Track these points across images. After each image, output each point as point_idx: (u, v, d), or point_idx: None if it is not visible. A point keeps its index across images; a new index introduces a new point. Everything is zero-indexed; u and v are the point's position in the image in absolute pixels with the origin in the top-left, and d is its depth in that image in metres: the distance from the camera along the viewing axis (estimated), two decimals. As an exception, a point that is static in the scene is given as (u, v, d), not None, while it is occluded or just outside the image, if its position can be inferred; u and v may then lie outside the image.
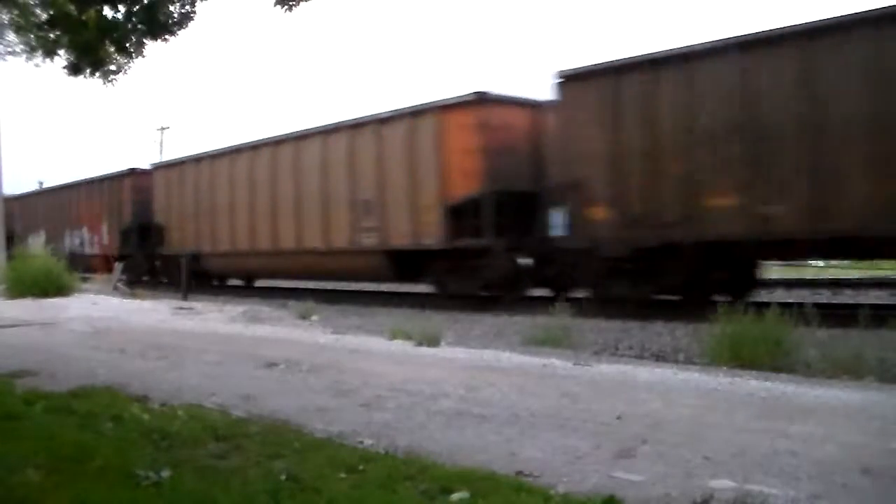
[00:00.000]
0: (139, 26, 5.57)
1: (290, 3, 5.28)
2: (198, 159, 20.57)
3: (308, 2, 5.28)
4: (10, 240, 29.83)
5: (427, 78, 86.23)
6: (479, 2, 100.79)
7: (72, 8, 5.48)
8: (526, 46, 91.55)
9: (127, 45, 5.74)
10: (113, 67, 6.04)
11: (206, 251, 19.87)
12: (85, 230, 25.57)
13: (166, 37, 5.64)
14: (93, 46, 5.65)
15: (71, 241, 26.00)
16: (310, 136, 16.81)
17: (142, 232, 22.30)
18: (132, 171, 23.38)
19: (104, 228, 24.19)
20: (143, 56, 5.92)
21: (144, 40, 5.71)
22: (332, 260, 16.12)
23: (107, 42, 5.66)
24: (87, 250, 25.13)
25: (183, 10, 5.57)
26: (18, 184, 32.82)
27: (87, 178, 25.94)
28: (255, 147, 18.55)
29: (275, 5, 5.28)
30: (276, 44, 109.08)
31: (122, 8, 5.60)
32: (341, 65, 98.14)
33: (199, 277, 20.54)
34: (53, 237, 26.48)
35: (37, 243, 27.16)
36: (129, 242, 22.92)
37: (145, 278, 22.54)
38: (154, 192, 21.99)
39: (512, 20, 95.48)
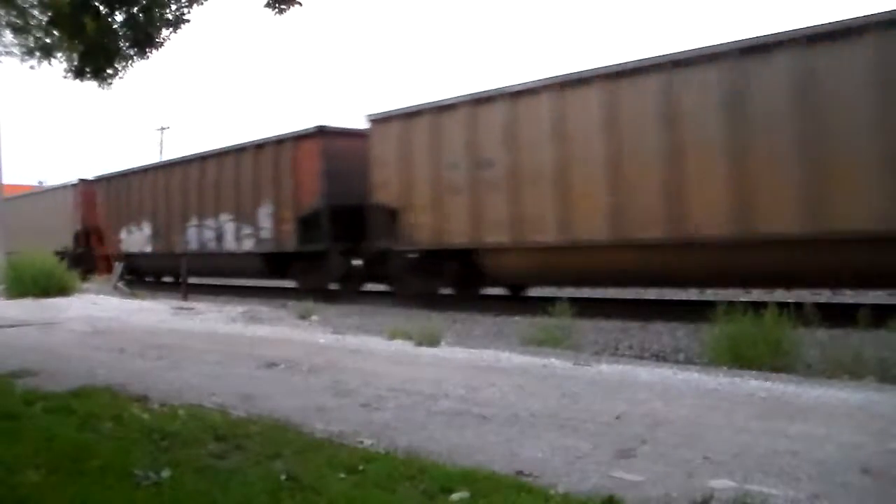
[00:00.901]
0: (128, 36, 5.59)
1: (282, 7, 5.29)
2: (477, 100, 12.82)
3: (299, 6, 5.29)
4: (87, 237, 24.88)
5: (426, 76, 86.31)
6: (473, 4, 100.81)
7: (70, 9, 5.48)
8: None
9: (121, 50, 5.75)
10: (109, 72, 6.06)
11: (492, 243, 12.62)
12: (225, 219, 17.97)
13: (150, 50, 5.66)
14: (94, 50, 5.66)
15: (199, 236, 18.83)
16: (770, 48, 9.79)
17: (336, 218, 15.24)
18: (321, 130, 15.71)
19: (263, 215, 16.84)
20: (132, 66, 5.95)
21: (134, 52, 5.73)
22: (830, 253, 9.43)
23: (106, 47, 5.67)
24: (231, 246, 17.81)
25: (177, 14, 5.58)
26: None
27: (228, 145, 18.42)
28: (617, 75, 11.11)
29: (265, 6, 5.29)
30: (276, 42, 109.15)
31: (118, 15, 5.61)
32: (341, 62, 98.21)
33: (468, 284, 13.73)
34: (165, 230, 20.21)
35: (136, 240, 21.54)
36: (315, 234, 15.50)
37: (333, 286, 15.85)
38: (372, 158, 14.54)
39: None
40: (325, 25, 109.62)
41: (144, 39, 5.58)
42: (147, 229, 21.27)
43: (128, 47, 5.70)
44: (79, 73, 5.96)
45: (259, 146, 17.38)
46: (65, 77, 6.10)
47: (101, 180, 24.40)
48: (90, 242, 25.03)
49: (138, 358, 7.70)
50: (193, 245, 19.06)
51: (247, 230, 17.42)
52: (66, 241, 25.16)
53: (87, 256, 24.81)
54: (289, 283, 17.22)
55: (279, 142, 16.79)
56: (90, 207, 24.52)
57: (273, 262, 17.03)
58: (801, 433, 4.24)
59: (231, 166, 18.11)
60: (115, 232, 22.84)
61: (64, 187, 26.93)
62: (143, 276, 22.97)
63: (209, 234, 18.63)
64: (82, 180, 25.64)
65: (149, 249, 21.22)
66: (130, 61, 5.94)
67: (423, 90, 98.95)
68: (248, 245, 17.45)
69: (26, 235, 26.73)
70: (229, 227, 17.98)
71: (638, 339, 9.61)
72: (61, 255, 25.62)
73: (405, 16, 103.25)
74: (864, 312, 7.68)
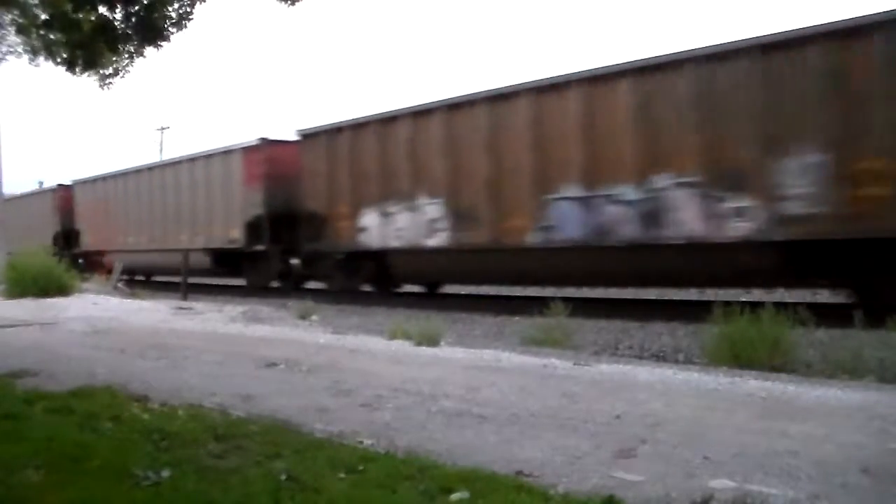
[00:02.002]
0: (135, 30, 5.59)
1: None
2: None
3: None
4: (276, 227, 16.54)
5: (427, 75, 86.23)
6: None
7: (69, 7, 5.49)
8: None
9: (121, 46, 5.75)
10: (109, 71, 6.06)
11: None
12: (669, 182, 10.65)
13: (160, 42, 5.66)
14: (86, 45, 5.66)
15: (587, 214, 11.30)
16: None
17: None
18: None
19: (792, 171, 9.62)
20: (144, 56, 5.94)
21: (141, 45, 5.73)
22: None
23: (101, 42, 5.67)
24: (692, 229, 10.47)
25: (180, 12, 5.59)
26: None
27: (665, 55, 10.93)
28: None
29: (279, 1, 5.32)
30: (277, 42, 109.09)
31: (119, 8, 5.62)
32: (341, 62, 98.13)
33: None
34: (490, 209, 12.38)
35: (403, 226, 13.75)
36: None
37: None
38: None
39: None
40: (325, 25, 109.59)
41: (153, 34, 5.58)
42: (432, 209, 13.30)
43: (136, 42, 5.70)
44: (69, 66, 5.95)
45: (772, 46, 9.80)
46: (70, 73, 6.10)
47: (309, 137, 16.23)
48: (281, 235, 16.69)
49: (138, 358, 7.69)
50: (570, 231, 11.43)
51: (736, 201, 10.07)
52: (223, 234, 17.83)
53: (278, 252, 16.95)
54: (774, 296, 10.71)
55: (843, 32, 9.29)
56: (279, 180, 16.67)
57: (811, 259, 9.89)
58: (800, 433, 4.24)
59: (682, 89, 10.53)
60: (348, 216, 14.89)
61: (220, 153, 18.50)
62: (399, 282, 15.65)
63: (617, 212, 11.02)
64: (264, 139, 17.32)
65: (435, 242, 13.35)
66: (135, 55, 5.94)
67: (412, 91, 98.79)
68: (740, 228, 10.05)
69: (139, 227, 21.19)
70: (680, 197, 10.51)
71: (638, 339, 9.61)
72: (220, 254, 18.21)
73: (402, 15, 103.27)
74: (864, 312, 7.68)
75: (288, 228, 16.44)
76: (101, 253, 23.72)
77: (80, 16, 5.45)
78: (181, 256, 17.60)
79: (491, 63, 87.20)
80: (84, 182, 25.81)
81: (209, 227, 18.50)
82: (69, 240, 25.35)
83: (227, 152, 18.26)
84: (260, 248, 16.99)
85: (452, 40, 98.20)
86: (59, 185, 27.19)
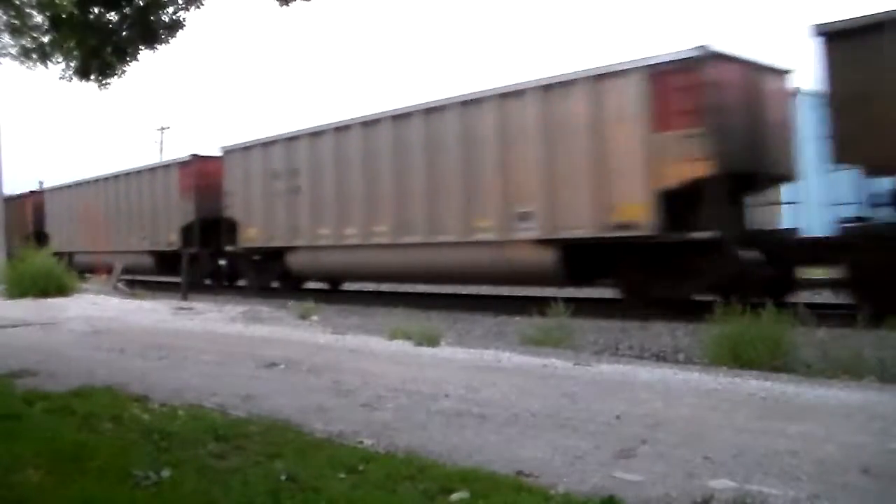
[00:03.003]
0: (133, 31, 5.59)
1: None
2: None
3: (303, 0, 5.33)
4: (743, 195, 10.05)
5: (426, 75, 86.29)
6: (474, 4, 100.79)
7: (75, 10, 5.48)
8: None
9: (127, 49, 5.75)
10: (108, 71, 6.05)
11: None
12: None
13: (156, 46, 5.67)
14: (99, 50, 5.66)
15: None
16: None
17: None
18: None
19: None
20: (137, 60, 5.94)
21: (139, 46, 5.72)
22: None
23: (108, 46, 5.67)
24: None
25: (174, 17, 5.60)
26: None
27: None
28: None
29: None
30: (276, 42, 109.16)
31: (115, 14, 5.62)
32: (340, 62, 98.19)
33: None
34: None
35: None
36: None
37: None
38: None
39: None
40: (325, 24, 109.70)
41: (149, 36, 5.59)
42: None
43: (135, 43, 5.70)
44: (83, 73, 5.94)
45: None
46: (61, 78, 6.07)
47: (853, 35, 8.97)
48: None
49: (138, 358, 7.69)
50: None
51: None
52: (596, 215, 11.01)
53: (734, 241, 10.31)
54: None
55: None
56: (734, 118, 10.37)
57: None
58: (800, 433, 4.24)
59: None
60: None
61: (580, 81, 11.27)
62: None
63: None
64: (704, 49, 10.18)
65: None
66: (133, 57, 5.93)
67: (416, 89, 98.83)
68: None
69: (371, 211, 14.26)
70: None
71: (638, 339, 9.61)
72: (574, 249, 11.35)
73: (403, 16, 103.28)
74: (864, 312, 7.68)
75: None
76: (275, 253, 16.89)
77: (90, 17, 5.44)
78: (479, 253, 12.39)
79: (494, 60, 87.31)
80: (245, 148, 17.78)
81: (552, 206, 11.51)
82: (213, 234, 18.86)
83: (600, 77, 11.03)
84: (699, 235, 10.17)
85: (455, 38, 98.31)
86: (194, 155, 20.08)
